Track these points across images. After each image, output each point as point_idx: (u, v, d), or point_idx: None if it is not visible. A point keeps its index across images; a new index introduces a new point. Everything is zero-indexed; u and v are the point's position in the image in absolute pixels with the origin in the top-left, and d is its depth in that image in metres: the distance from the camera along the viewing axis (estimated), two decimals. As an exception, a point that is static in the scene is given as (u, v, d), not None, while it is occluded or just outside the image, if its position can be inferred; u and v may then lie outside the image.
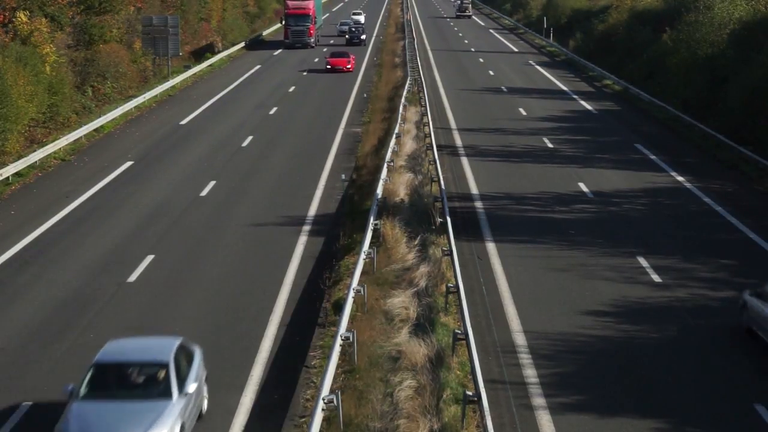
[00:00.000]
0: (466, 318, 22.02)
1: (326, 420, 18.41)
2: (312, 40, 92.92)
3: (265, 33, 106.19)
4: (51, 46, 50.98)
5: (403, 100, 55.22)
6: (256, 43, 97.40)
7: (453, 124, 53.37)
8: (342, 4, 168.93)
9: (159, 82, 65.77)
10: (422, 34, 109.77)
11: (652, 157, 44.79)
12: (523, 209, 35.72)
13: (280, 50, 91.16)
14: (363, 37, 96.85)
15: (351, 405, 18.87)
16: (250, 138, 48.63)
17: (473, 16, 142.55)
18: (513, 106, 59.10)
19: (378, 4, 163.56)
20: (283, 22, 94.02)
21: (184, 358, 18.90)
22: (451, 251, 27.02)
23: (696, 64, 55.46)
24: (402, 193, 35.31)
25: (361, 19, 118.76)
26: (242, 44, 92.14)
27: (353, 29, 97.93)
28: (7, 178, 39.05)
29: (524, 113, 56.69)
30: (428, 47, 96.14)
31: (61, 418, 17.49)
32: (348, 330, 21.59)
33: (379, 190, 33.80)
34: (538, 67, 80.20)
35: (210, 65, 78.53)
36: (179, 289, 27.24)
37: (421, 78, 66.17)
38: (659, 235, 32.37)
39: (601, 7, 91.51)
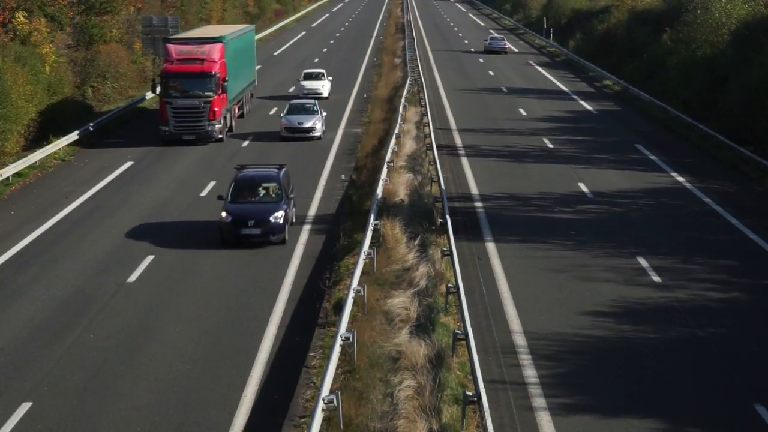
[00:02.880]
0: (466, 318, 22.02)
1: (326, 420, 18.41)
2: (218, 125, 46.57)
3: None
4: (50, 46, 51.01)
5: (403, 100, 55.22)
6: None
7: (453, 124, 53.37)
8: (342, 4, 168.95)
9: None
10: (422, 35, 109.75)
11: (652, 157, 44.79)
12: (523, 209, 35.71)
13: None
14: (280, 217, 30.95)
15: (351, 405, 18.86)
16: (250, 138, 48.59)
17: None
18: (513, 106, 59.10)
19: (378, 4, 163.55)
20: (157, 90, 48.41)
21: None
22: (451, 251, 27.02)
23: (696, 64, 55.45)
24: (402, 193, 35.31)
25: (321, 87, 61.43)
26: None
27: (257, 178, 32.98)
28: (7, 178, 39.04)
29: (524, 113, 56.69)
30: (428, 47, 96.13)
31: None
32: (348, 330, 21.59)
33: (379, 191, 33.81)
34: (538, 68, 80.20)
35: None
36: (179, 289, 27.24)
37: (421, 78, 66.19)
38: (659, 236, 32.36)
39: (601, 8, 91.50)
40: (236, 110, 51.72)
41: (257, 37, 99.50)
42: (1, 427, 19.27)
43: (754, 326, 24.65)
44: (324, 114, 49.54)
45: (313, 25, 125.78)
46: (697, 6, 59.61)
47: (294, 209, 32.88)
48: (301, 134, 47.58)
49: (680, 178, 40.50)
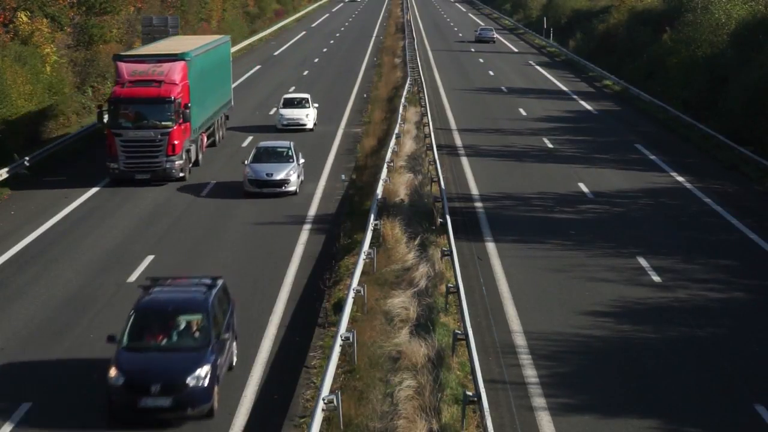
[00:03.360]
0: (466, 318, 22.03)
1: (326, 420, 18.42)
2: (178, 161, 38.71)
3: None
4: (52, 46, 51.03)
5: (403, 100, 55.22)
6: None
7: (453, 124, 53.36)
8: (342, 4, 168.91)
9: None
10: (422, 35, 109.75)
11: (652, 157, 44.79)
12: (523, 209, 35.72)
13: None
14: (203, 376, 19.26)
15: (351, 405, 18.87)
16: (250, 138, 48.54)
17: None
18: (513, 106, 59.09)
19: (378, 4, 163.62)
20: (105, 119, 39.17)
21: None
22: (451, 251, 27.03)
23: (696, 64, 55.48)
24: (402, 193, 35.32)
25: (305, 116, 50.86)
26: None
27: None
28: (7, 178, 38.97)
29: (524, 113, 56.68)
30: (428, 47, 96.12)
31: None
32: (348, 330, 21.61)
33: (379, 190, 33.82)
34: (538, 68, 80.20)
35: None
36: (179, 289, 27.17)
37: (421, 78, 66.18)
38: (659, 235, 32.37)
39: (601, 8, 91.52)
40: (204, 140, 43.64)
41: (256, 37, 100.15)
42: (1, 427, 19.27)
43: (754, 326, 24.65)
44: (302, 161, 38.31)
45: (313, 25, 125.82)
46: (697, 6, 59.64)
47: (236, 344, 21.92)
48: (271, 189, 36.67)
49: (680, 178, 40.49)
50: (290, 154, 37.99)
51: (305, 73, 75.31)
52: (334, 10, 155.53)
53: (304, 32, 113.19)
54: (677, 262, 29.51)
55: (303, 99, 52.12)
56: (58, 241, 31.76)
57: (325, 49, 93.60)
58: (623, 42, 73.68)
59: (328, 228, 33.22)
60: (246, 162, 37.46)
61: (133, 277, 28.01)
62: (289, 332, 24.22)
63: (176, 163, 38.53)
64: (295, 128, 49.87)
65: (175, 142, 38.37)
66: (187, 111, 38.88)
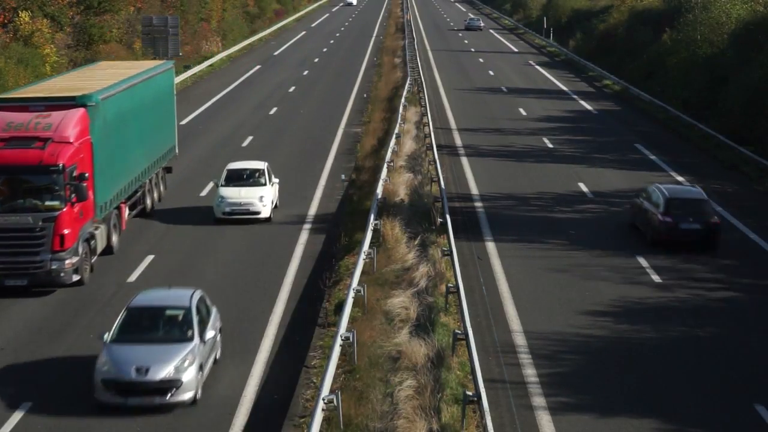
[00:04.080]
0: (466, 318, 22.04)
1: (326, 420, 18.43)
2: (69, 259, 26.08)
3: None
4: (52, 46, 51.07)
5: (402, 100, 55.22)
6: None
7: (453, 124, 53.36)
8: (341, 5, 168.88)
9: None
10: (422, 34, 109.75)
11: (652, 157, 44.79)
12: (523, 209, 35.72)
13: None
14: None
15: (351, 405, 18.88)
16: (250, 138, 48.58)
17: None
18: (513, 106, 59.09)
19: (378, 4, 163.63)
20: None
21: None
22: (451, 251, 27.05)
23: (696, 64, 55.52)
24: (402, 193, 35.34)
25: (258, 200, 33.01)
26: None
27: None
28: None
29: (524, 113, 56.68)
30: (428, 47, 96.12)
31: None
32: (348, 330, 21.62)
33: (379, 190, 33.83)
34: (538, 67, 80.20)
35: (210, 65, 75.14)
36: (179, 289, 27.12)
37: (421, 78, 66.17)
38: (659, 235, 32.34)
39: (601, 7, 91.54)
40: (124, 213, 31.25)
41: (256, 37, 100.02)
42: (1, 427, 19.28)
43: (754, 326, 24.67)
44: (216, 328, 21.79)
45: (313, 24, 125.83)
46: (697, 5, 59.67)
47: None
48: (144, 399, 19.75)
49: (680, 178, 40.49)
50: (189, 318, 20.97)
51: (305, 73, 75.32)
52: (334, 10, 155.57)
53: (304, 32, 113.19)
54: (677, 261, 29.52)
55: (257, 171, 34.49)
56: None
57: (325, 49, 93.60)
58: (623, 42, 73.70)
59: (328, 228, 33.22)
60: (105, 337, 20.74)
61: (133, 277, 28.01)
62: (289, 332, 24.23)
63: (66, 261, 26.26)
64: (242, 218, 33.25)
65: (65, 231, 26.29)
66: (83, 184, 26.72)
